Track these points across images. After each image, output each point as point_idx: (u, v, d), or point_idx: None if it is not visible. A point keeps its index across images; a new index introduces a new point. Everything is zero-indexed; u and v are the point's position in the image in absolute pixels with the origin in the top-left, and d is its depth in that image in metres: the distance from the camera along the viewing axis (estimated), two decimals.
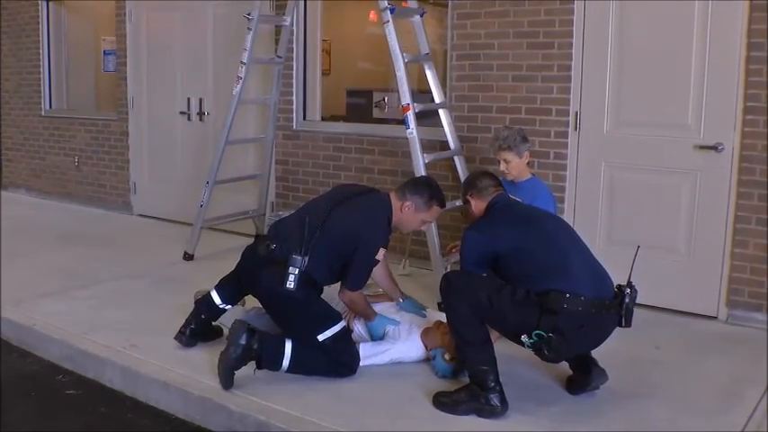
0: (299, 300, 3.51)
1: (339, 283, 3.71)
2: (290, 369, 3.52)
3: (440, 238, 4.81)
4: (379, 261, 3.79)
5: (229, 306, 3.96)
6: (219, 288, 3.97)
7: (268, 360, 3.50)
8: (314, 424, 3.18)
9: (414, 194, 3.71)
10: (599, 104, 4.84)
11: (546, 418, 3.26)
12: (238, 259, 3.85)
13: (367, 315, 3.89)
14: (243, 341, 3.41)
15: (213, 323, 4.02)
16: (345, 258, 3.59)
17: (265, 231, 3.84)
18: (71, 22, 8.55)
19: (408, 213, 3.71)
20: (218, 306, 3.93)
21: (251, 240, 3.88)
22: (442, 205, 3.80)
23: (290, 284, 3.46)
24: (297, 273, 3.46)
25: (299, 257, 3.47)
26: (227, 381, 3.45)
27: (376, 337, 3.89)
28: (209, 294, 3.97)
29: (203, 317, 3.96)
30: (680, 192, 4.62)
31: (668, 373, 3.78)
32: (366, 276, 3.69)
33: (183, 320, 3.96)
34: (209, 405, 3.41)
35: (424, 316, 4.03)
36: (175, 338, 3.94)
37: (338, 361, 3.58)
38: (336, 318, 3.63)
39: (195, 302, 4.04)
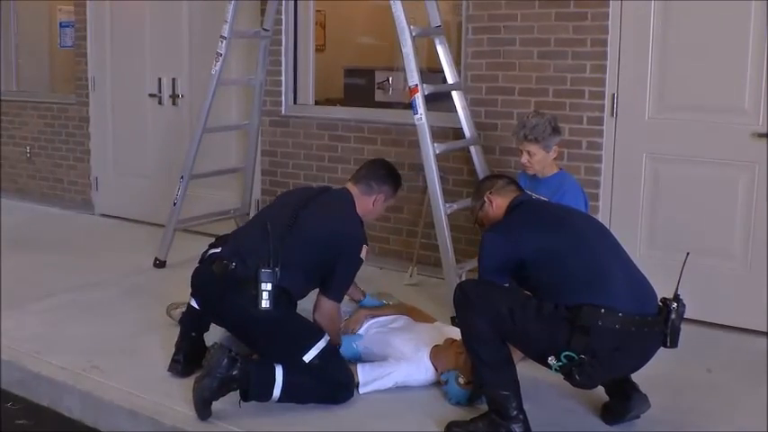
0: (276, 319, 3.50)
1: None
2: (282, 398, 3.50)
3: (453, 241, 4.81)
4: (362, 262, 3.84)
5: None
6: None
7: (257, 391, 3.47)
8: None
9: (382, 185, 3.96)
10: (640, 85, 4.84)
11: None
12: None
13: (336, 338, 3.89)
14: (222, 371, 3.37)
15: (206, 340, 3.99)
16: (325, 265, 3.66)
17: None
18: None
19: (378, 205, 3.97)
20: (202, 313, 3.89)
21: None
22: (401, 185, 4.15)
23: (266, 304, 3.43)
24: (270, 289, 3.43)
25: (269, 271, 3.44)
26: (203, 412, 3.43)
27: (347, 356, 3.91)
28: (188, 306, 3.95)
29: (194, 335, 3.92)
30: (735, 187, 4.62)
31: (722, 400, 3.78)
32: (350, 284, 3.80)
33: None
34: None
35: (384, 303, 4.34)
36: (169, 370, 3.86)
37: (333, 381, 3.58)
38: (319, 331, 3.64)
39: (179, 322, 4.03)
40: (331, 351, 3.65)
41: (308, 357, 3.52)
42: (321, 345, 3.57)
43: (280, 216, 3.73)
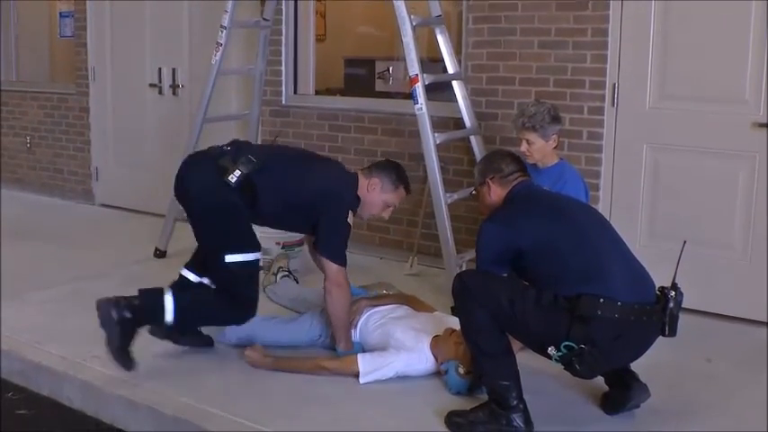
0: (227, 207, 3.72)
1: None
2: (177, 320, 3.72)
3: (453, 231, 4.81)
4: (350, 228, 3.92)
5: (206, 280, 4.02)
6: (189, 264, 4.09)
7: (149, 318, 3.73)
8: None
9: (381, 172, 4.00)
10: (641, 75, 4.84)
11: None
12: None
13: (343, 335, 3.98)
14: (115, 318, 3.59)
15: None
16: (306, 211, 3.83)
17: None
18: None
19: (374, 193, 3.98)
20: (195, 284, 4.00)
21: None
22: (409, 190, 4.10)
23: (232, 178, 3.68)
24: (245, 173, 3.69)
25: (253, 160, 3.72)
26: (126, 363, 3.66)
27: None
28: (180, 276, 4.06)
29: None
30: (736, 177, 4.62)
31: (720, 389, 3.79)
32: (341, 244, 3.86)
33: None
34: (184, 426, 3.42)
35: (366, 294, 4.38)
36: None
37: (235, 293, 3.78)
38: (255, 247, 3.81)
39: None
40: (251, 268, 3.81)
41: (229, 258, 3.71)
42: (247, 258, 3.76)
43: (292, 150, 4.12)
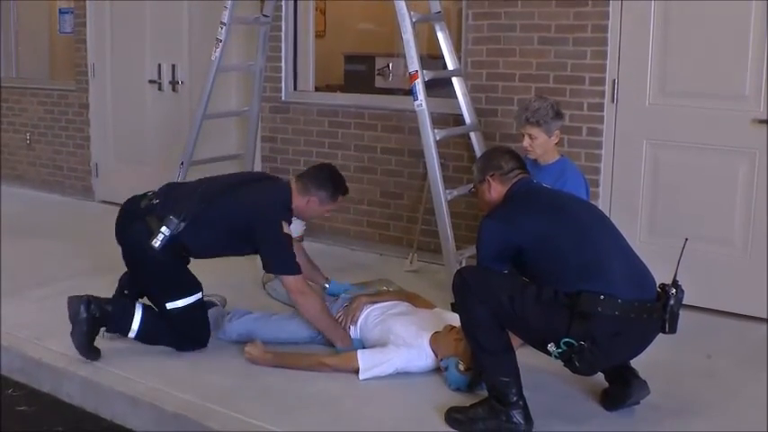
0: (159, 262, 3.87)
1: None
2: (139, 335, 3.93)
3: (453, 228, 4.81)
4: (290, 236, 3.99)
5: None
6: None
7: (116, 325, 3.95)
8: None
9: (318, 190, 4.06)
10: (641, 72, 4.83)
11: None
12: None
13: (333, 334, 4.05)
14: (83, 315, 3.80)
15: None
16: (239, 237, 3.93)
17: None
18: None
19: (313, 206, 4.09)
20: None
21: None
22: (347, 193, 4.23)
23: (156, 243, 3.82)
24: (168, 234, 3.82)
25: (175, 220, 3.83)
26: (90, 354, 3.86)
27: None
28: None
29: (126, 292, 4.22)
30: (736, 174, 4.61)
31: (720, 386, 3.79)
32: (287, 257, 3.92)
33: None
34: (184, 423, 3.42)
35: (349, 292, 4.44)
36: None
37: (183, 333, 3.97)
38: (193, 291, 3.99)
39: (119, 280, 4.30)
40: (194, 310, 3.99)
41: (170, 305, 3.93)
42: (188, 301, 3.95)
43: (218, 184, 4.08)
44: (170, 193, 4.04)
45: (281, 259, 3.93)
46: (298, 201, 4.05)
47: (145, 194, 4.07)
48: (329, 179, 4.13)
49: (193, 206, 3.89)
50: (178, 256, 3.95)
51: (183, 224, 3.83)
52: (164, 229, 3.82)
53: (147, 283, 4.06)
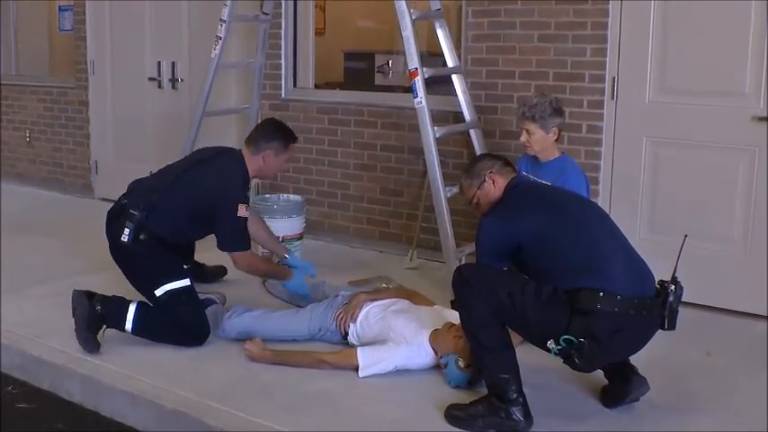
0: (137, 253, 4.04)
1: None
2: (135, 331, 4.00)
3: (453, 225, 4.81)
4: (245, 218, 4.12)
5: None
6: None
7: (112, 319, 4.00)
8: None
9: (270, 142, 4.25)
10: (640, 69, 4.83)
11: None
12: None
13: (276, 274, 4.46)
14: (87, 311, 3.91)
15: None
16: (199, 217, 4.09)
17: None
18: None
19: (269, 161, 4.26)
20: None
21: None
22: (296, 140, 4.44)
23: (125, 238, 4.02)
24: (132, 227, 4.01)
25: (136, 213, 4.02)
26: (91, 346, 3.92)
27: (299, 294, 4.44)
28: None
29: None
30: (736, 171, 4.61)
31: (720, 384, 3.79)
32: (238, 236, 4.12)
33: None
34: (184, 420, 3.43)
35: (314, 275, 4.53)
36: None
37: (178, 323, 4.00)
38: (179, 275, 4.08)
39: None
40: (184, 294, 4.07)
41: (159, 291, 4.02)
42: (174, 285, 4.04)
43: (168, 172, 4.28)
44: (134, 190, 4.22)
45: (232, 237, 4.11)
46: (253, 163, 4.21)
47: (119, 198, 4.25)
48: (277, 130, 4.34)
49: (152, 196, 4.07)
50: (157, 244, 4.06)
51: (143, 215, 4.01)
52: (127, 223, 4.02)
53: (133, 277, 4.18)
